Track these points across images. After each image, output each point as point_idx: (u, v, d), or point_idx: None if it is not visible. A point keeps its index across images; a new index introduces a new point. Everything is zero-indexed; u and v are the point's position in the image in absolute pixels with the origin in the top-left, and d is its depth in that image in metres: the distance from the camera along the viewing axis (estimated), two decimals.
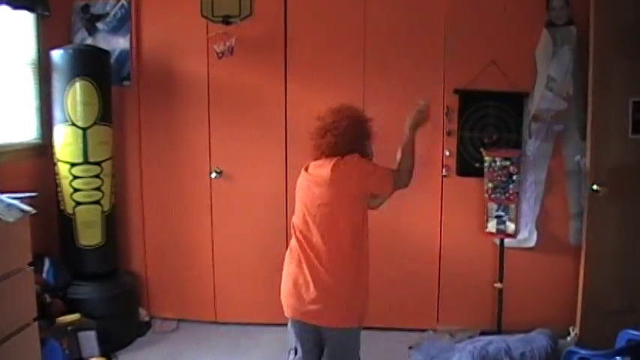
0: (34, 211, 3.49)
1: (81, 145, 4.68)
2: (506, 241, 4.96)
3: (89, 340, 4.39)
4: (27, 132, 4.97)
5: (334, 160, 3.32)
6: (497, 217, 4.89)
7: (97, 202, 4.81)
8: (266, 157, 5.09)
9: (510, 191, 4.82)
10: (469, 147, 4.98)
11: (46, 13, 4.85)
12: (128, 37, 5.21)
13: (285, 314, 3.38)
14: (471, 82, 4.88)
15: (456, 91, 4.95)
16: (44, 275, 4.58)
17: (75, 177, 4.70)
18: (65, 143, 4.70)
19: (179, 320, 5.38)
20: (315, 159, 3.42)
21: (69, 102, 4.64)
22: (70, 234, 4.79)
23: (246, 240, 5.20)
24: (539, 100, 4.78)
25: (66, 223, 4.79)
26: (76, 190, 4.72)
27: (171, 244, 5.36)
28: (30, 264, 3.49)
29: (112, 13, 5.19)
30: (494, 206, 4.90)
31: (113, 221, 5.02)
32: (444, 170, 5.04)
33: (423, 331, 5.15)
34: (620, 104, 4.50)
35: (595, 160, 4.45)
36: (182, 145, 5.24)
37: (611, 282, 4.62)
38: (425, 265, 5.16)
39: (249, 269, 5.22)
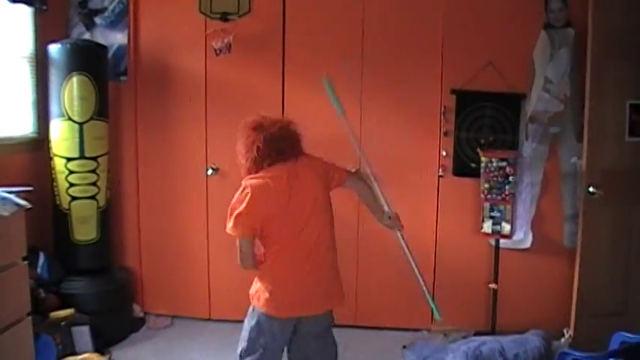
0: (29, 206, 3.48)
1: (77, 139, 4.67)
2: (502, 242, 4.96)
3: (83, 335, 4.38)
4: (23, 126, 4.96)
5: (305, 157, 3.40)
6: (493, 217, 4.89)
7: (93, 198, 4.80)
8: None
9: (506, 192, 4.82)
10: (465, 147, 4.99)
11: (44, 7, 4.83)
12: (126, 32, 5.20)
13: (281, 314, 3.39)
14: (468, 82, 4.89)
15: (453, 92, 4.95)
16: (38, 270, 4.57)
17: (71, 172, 4.69)
18: (61, 138, 4.69)
19: (173, 317, 5.37)
20: (258, 170, 3.38)
21: (65, 97, 4.63)
22: (65, 229, 4.78)
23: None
24: (536, 102, 4.79)
25: (61, 218, 4.79)
26: (71, 184, 4.71)
27: (166, 241, 5.36)
28: (24, 258, 3.48)
29: (110, 8, 5.18)
30: (490, 207, 4.90)
31: (108, 217, 5.01)
32: (440, 170, 5.04)
33: (417, 330, 5.15)
34: (617, 107, 4.50)
35: (591, 162, 4.45)
36: (178, 142, 5.23)
37: (606, 284, 4.62)
38: (420, 264, 5.15)
39: None
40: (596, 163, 4.46)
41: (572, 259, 4.69)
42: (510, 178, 4.80)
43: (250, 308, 3.51)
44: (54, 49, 4.69)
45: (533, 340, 4.38)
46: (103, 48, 4.98)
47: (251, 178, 3.31)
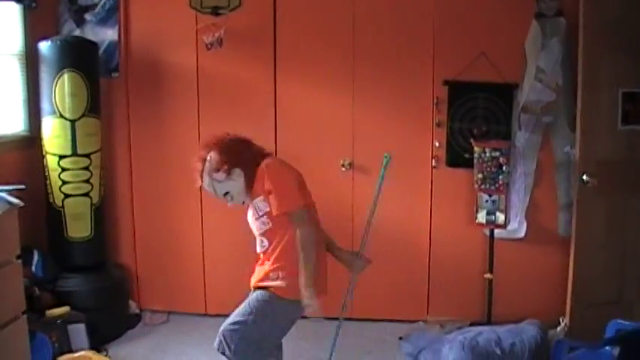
0: (22, 204, 3.46)
1: (69, 137, 4.66)
2: (496, 231, 4.97)
3: (79, 332, 4.37)
4: (15, 124, 4.95)
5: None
6: (487, 208, 4.89)
7: (86, 195, 4.79)
8: None
9: (500, 182, 4.82)
10: (459, 138, 4.99)
11: (33, 4, 4.83)
12: (116, 28, 5.18)
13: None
14: (460, 73, 4.88)
15: (446, 82, 4.95)
16: (33, 268, 4.56)
17: (63, 169, 4.68)
18: (53, 135, 4.68)
19: (169, 313, 5.38)
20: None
21: (57, 94, 4.62)
22: (59, 226, 4.77)
23: (236, 233, 5.19)
24: (529, 92, 4.79)
25: (55, 216, 4.77)
26: (64, 182, 4.70)
27: (160, 237, 5.35)
28: (18, 257, 3.47)
29: (100, 4, 5.16)
30: (484, 197, 4.90)
31: (102, 214, 5.00)
32: (433, 161, 5.04)
33: (413, 322, 5.16)
34: (610, 95, 4.50)
35: (584, 151, 4.45)
36: (171, 137, 5.22)
37: (601, 273, 4.63)
38: (415, 256, 5.17)
39: (239, 262, 5.19)
40: (590, 152, 4.47)
41: (567, 248, 4.70)
42: (504, 168, 4.80)
43: (271, 297, 3.37)
44: (44, 46, 4.67)
45: (529, 329, 4.39)
46: (94, 44, 4.96)
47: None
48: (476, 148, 4.86)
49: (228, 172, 3.25)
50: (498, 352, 4.17)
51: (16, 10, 4.88)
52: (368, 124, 5.03)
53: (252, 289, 3.48)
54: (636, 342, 3.43)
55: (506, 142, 4.86)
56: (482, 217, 4.92)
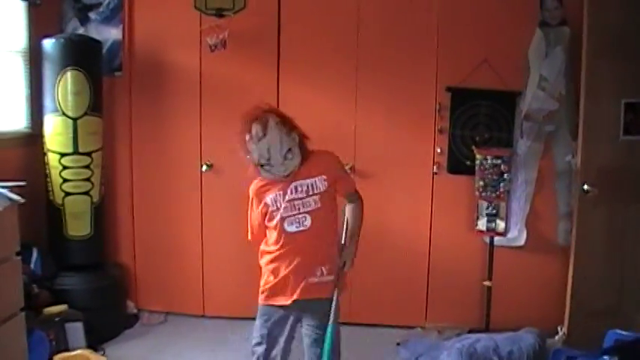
0: (23, 200, 3.46)
1: (71, 135, 4.66)
2: (496, 239, 4.96)
3: (76, 331, 4.36)
4: (17, 121, 4.94)
5: None
6: (488, 215, 4.89)
7: (87, 193, 4.79)
8: None
9: (501, 190, 4.82)
10: (460, 145, 4.98)
11: (38, 2, 4.84)
12: (120, 27, 5.19)
13: None
14: (463, 80, 4.88)
15: (448, 89, 4.95)
16: (32, 265, 4.55)
17: (64, 167, 4.68)
18: (55, 133, 4.68)
19: (167, 313, 5.37)
20: None
21: (59, 92, 4.62)
22: (59, 224, 4.77)
23: (236, 234, 5.18)
24: (532, 100, 4.79)
25: (55, 214, 4.77)
26: (65, 180, 4.70)
27: (160, 237, 5.34)
28: (17, 254, 3.46)
29: (105, 3, 5.17)
30: (485, 204, 4.90)
31: (102, 213, 5.00)
32: (434, 167, 5.04)
33: (411, 328, 5.15)
34: (612, 105, 4.50)
35: (586, 160, 4.45)
36: (173, 138, 5.22)
37: (600, 282, 4.63)
38: (414, 262, 5.17)
39: (237, 263, 5.21)
40: (591, 161, 4.46)
41: (567, 257, 4.70)
42: (505, 176, 4.80)
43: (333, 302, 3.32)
44: (48, 44, 4.67)
45: (527, 337, 4.38)
46: (98, 43, 4.96)
47: None
48: (477, 155, 4.86)
49: (292, 134, 3.18)
50: (496, 359, 4.17)
51: (21, 7, 4.87)
52: (370, 129, 5.03)
53: (300, 297, 3.25)
54: (634, 352, 3.43)
55: (507, 150, 4.86)
56: (482, 224, 4.92)
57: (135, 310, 5.31)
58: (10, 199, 3.39)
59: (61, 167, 4.68)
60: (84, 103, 4.69)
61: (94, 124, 4.77)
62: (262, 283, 3.38)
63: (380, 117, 5.04)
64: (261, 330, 3.34)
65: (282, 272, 3.26)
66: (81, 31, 5.18)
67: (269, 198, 3.25)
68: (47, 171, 4.74)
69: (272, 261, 3.31)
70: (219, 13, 4.92)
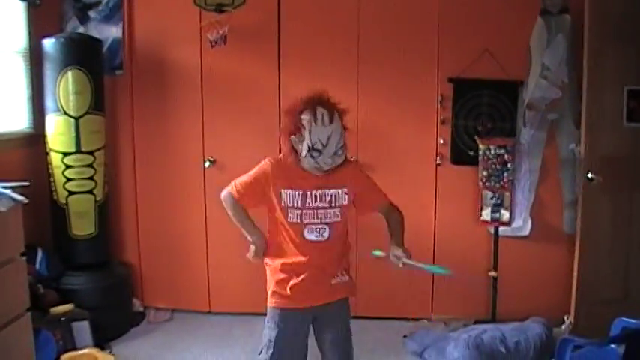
0: (26, 201, 3.46)
1: (73, 134, 4.66)
2: (501, 229, 4.96)
3: (83, 330, 4.37)
4: (19, 121, 4.94)
5: None
6: (492, 205, 4.88)
7: (90, 192, 4.79)
8: (259, 146, 5.04)
9: (505, 180, 4.82)
10: (463, 135, 4.97)
11: (37, 2, 4.83)
12: (120, 25, 5.17)
13: None
14: (465, 70, 4.87)
15: (450, 80, 4.93)
16: (37, 266, 4.56)
17: (67, 166, 4.68)
18: (57, 133, 4.67)
19: (173, 310, 5.37)
20: None
21: (61, 91, 4.61)
22: (63, 224, 4.77)
23: (240, 231, 5.19)
24: (534, 89, 4.77)
25: (59, 213, 4.77)
26: (68, 179, 4.70)
27: (164, 234, 5.35)
28: (22, 254, 3.46)
29: (104, 1, 5.15)
30: (489, 194, 4.89)
31: (106, 211, 5.00)
32: (437, 159, 5.03)
33: (418, 320, 5.15)
34: (615, 93, 4.50)
35: (589, 148, 4.44)
36: (175, 135, 5.21)
37: (605, 271, 4.63)
38: (419, 253, 5.12)
39: (242, 259, 5.18)
40: (595, 149, 4.46)
41: (572, 245, 4.70)
42: (509, 166, 4.80)
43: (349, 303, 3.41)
44: (48, 43, 4.66)
45: (534, 327, 4.38)
46: (98, 42, 4.95)
47: None
48: (481, 146, 4.85)
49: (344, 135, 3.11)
50: (503, 350, 4.17)
51: (21, 7, 4.86)
52: (372, 122, 5.02)
53: (322, 302, 3.23)
54: None
55: (511, 140, 4.85)
56: (486, 214, 4.92)
57: (141, 308, 5.31)
58: (14, 200, 3.39)
59: (64, 167, 4.68)
60: (85, 102, 4.68)
61: (96, 123, 4.77)
62: (273, 285, 3.26)
63: (382, 109, 5.03)
64: (276, 345, 3.18)
65: (299, 278, 3.15)
66: (81, 30, 5.17)
67: (285, 192, 3.09)
68: (50, 171, 4.73)
69: (289, 265, 3.18)
70: (219, 9, 4.91)
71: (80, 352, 4.16)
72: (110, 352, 4.40)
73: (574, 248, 4.65)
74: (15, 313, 3.36)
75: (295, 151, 3.06)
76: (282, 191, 3.09)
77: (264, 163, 3.15)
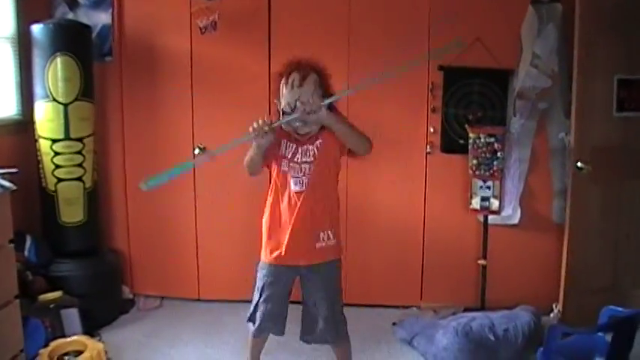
0: (15, 187, 3.45)
1: (62, 121, 4.63)
2: (490, 218, 4.97)
3: (72, 317, 4.36)
4: (7, 108, 4.91)
5: None
6: (482, 193, 4.89)
7: (79, 179, 4.77)
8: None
9: (494, 168, 4.82)
10: (453, 124, 4.98)
11: None
12: (110, 11, 5.14)
13: None
14: (455, 58, 4.85)
15: (441, 68, 4.93)
16: (26, 253, 4.54)
17: (56, 153, 4.65)
18: (46, 119, 4.65)
19: (162, 298, 5.38)
20: None
21: (49, 77, 4.58)
22: (52, 211, 4.75)
23: (230, 217, 5.19)
24: (524, 78, 4.77)
25: (47, 200, 4.75)
26: (57, 166, 4.67)
27: (154, 222, 5.34)
28: (11, 241, 3.46)
29: None
30: (479, 183, 4.90)
31: (95, 198, 4.98)
32: (428, 147, 5.03)
33: (407, 307, 5.17)
34: (605, 82, 4.50)
35: (579, 137, 4.45)
36: (165, 122, 5.19)
37: (594, 259, 4.65)
38: (408, 241, 5.17)
39: (232, 246, 5.21)
40: (585, 138, 4.47)
41: (562, 234, 4.71)
42: (498, 154, 4.80)
43: (338, 264, 3.56)
44: (37, 29, 4.62)
45: (522, 315, 4.40)
46: (87, 28, 4.92)
47: None
48: (471, 134, 4.85)
49: (322, 96, 3.29)
50: (492, 337, 4.18)
51: None
52: (362, 109, 5.00)
53: (306, 262, 3.45)
54: (629, 328, 3.44)
55: (501, 128, 4.86)
56: (476, 202, 4.93)
57: (130, 296, 5.31)
58: (3, 187, 3.38)
59: (52, 153, 4.65)
60: (74, 89, 4.65)
61: (85, 110, 4.74)
62: (265, 242, 3.53)
63: (372, 97, 5.01)
64: (265, 294, 3.49)
65: (287, 232, 3.38)
66: (70, 16, 5.14)
67: (283, 141, 3.41)
68: (39, 157, 4.71)
69: (281, 222, 3.44)
70: None
71: (69, 339, 4.14)
72: (99, 340, 4.39)
73: (563, 237, 4.66)
74: (3, 300, 3.35)
75: (279, 114, 3.31)
76: (282, 140, 3.40)
77: None
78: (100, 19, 5.14)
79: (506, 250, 5.06)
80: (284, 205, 3.41)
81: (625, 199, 4.66)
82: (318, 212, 3.39)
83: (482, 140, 4.81)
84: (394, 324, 4.79)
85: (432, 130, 5.01)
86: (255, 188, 4.94)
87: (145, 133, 5.23)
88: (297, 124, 3.25)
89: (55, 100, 4.60)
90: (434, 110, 4.99)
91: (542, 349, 3.42)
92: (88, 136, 4.77)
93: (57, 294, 4.41)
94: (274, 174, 3.45)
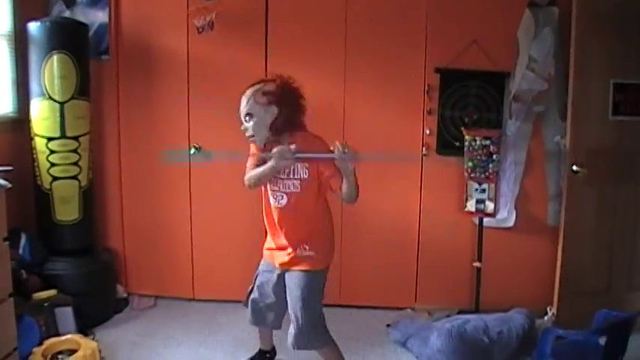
0: (10, 185, 3.44)
1: (58, 119, 4.61)
2: (485, 220, 4.97)
3: (66, 316, 4.35)
4: (3, 106, 4.90)
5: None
6: (477, 196, 4.90)
7: (75, 178, 4.75)
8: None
9: (490, 171, 4.83)
10: (449, 126, 4.98)
11: None
12: (107, 10, 5.13)
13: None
14: (452, 60, 4.87)
15: (437, 70, 4.93)
16: (20, 251, 4.53)
17: (52, 151, 4.64)
18: (42, 117, 4.63)
19: (157, 297, 5.37)
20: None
21: (46, 75, 4.57)
22: (47, 209, 4.74)
23: (225, 217, 5.19)
24: (521, 81, 4.78)
25: (43, 199, 4.74)
26: (52, 164, 4.66)
27: (149, 221, 5.33)
28: (5, 239, 3.44)
29: None
30: (474, 185, 4.91)
31: (91, 197, 4.97)
32: (424, 149, 5.03)
33: (401, 309, 5.17)
34: (601, 86, 4.52)
35: (575, 141, 4.46)
36: (161, 121, 5.18)
37: (589, 263, 4.66)
38: (404, 243, 5.17)
39: (227, 246, 5.21)
40: (580, 142, 4.48)
41: (556, 237, 4.72)
42: (494, 157, 4.81)
43: (314, 276, 3.56)
44: (33, 27, 4.61)
45: (517, 318, 4.41)
46: (84, 26, 4.90)
47: None
48: (466, 137, 4.85)
49: (268, 104, 3.42)
50: (486, 340, 4.19)
51: None
52: (359, 111, 5.02)
53: (281, 267, 3.64)
54: (623, 332, 3.45)
55: (497, 131, 4.86)
56: (471, 205, 4.93)
57: (125, 295, 5.29)
58: None
59: (48, 152, 4.64)
60: (71, 87, 4.64)
61: (81, 108, 4.73)
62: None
63: (369, 98, 5.02)
64: (258, 280, 3.80)
65: (275, 238, 3.65)
66: (67, 14, 5.13)
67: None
68: (34, 155, 4.69)
69: (269, 224, 3.67)
70: None
71: (63, 338, 4.13)
72: (93, 339, 4.38)
73: (558, 240, 4.68)
74: None
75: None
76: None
77: None
78: (97, 17, 5.14)
79: (501, 253, 5.07)
80: (270, 211, 3.63)
81: (620, 202, 4.68)
82: (296, 228, 3.54)
83: (477, 143, 4.82)
84: (388, 326, 4.79)
85: (427, 132, 5.02)
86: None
87: (141, 132, 5.22)
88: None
89: (51, 98, 4.59)
90: (430, 112, 4.99)
91: (536, 351, 3.43)
92: (83, 135, 4.76)
93: (51, 292, 4.40)
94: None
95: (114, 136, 5.25)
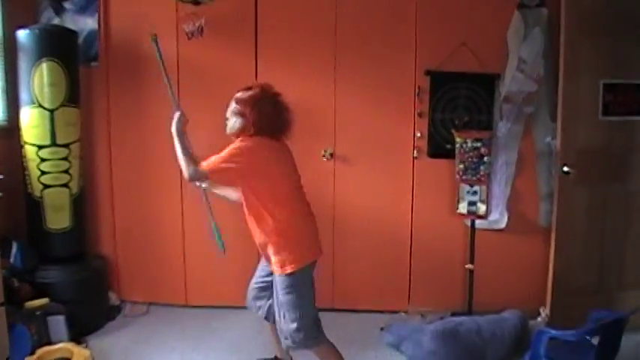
0: (0, 194, 3.43)
1: (48, 127, 4.60)
2: (477, 222, 4.98)
3: (58, 324, 4.34)
4: None
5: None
6: (469, 198, 4.90)
7: (65, 185, 4.74)
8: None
9: (481, 172, 4.83)
10: (440, 128, 4.99)
11: None
12: (96, 16, 5.13)
13: (314, 257, 3.64)
14: (442, 63, 4.88)
15: (428, 72, 4.94)
16: (12, 259, 4.51)
17: (42, 159, 4.63)
18: (32, 125, 4.62)
19: (149, 304, 5.35)
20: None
21: (35, 83, 4.56)
22: (38, 217, 4.72)
23: (217, 222, 5.17)
24: (510, 82, 4.79)
25: (34, 207, 4.72)
26: (43, 172, 4.65)
27: (141, 228, 5.31)
28: None
29: None
30: (466, 187, 4.91)
31: (82, 204, 4.95)
32: (415, 152, 5.04)
33: (395, 312, 5.17)
34: (591, 86, 4.53)
35: (565, 141, 4.48)
36: (151, 127, 5.16)
37: (581, 263, 4.67)
38: (396, 246, 5.17)
39: (219, 252, 5.20)
40: (571, 142, 4.49)
41: (548, 238, 4.73)
42: (485, 159, 4.82)
43: (287, 279, 3.53)
44: (23, 34, 4.60)
45: (509, 319, 4.42)
46: (73, 33, 4.90)
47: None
48: (457, 139, 4.86)
49: (238, 111, 3.66)
50: (479, 341, 4.20)
51: None
52: (350, 114, 5.02)
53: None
54: (616, 331, 3.45)
55: (487, 133, 4.87)
56: (463, 207, 4.94)
57: (117, 302, 5.28)
58: None
59: (38, 160, 4.62)
60: (60, 95, 4.63)
61: (71, 116, 4.72)
62: None
63: (359, 101, 5.02)
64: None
65: None
66: (56, 21, 5.12)
67: None
68: (25, 164, 4.68)
69: None
70: (196, 1, 4.88)
71: (55, 346, 4.12)
72: (86, 347, 4.37)
73: (550, 241, 4.69)
74: None
75: None
76: None
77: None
78: (86, 24, 5.13)
79: (493, 254, 5.07)
80: None
81: (610, 202, 4.69)
82: (256, 234, 3.66)
83: (468, 145, 4.83)
84: (382, 329, 4.78)
85: (418, 134, 5.02)
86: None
87: (132, 139, 5.21)
88: None
89: (40, 105, 4.58)
90: (421, 115, 5.00)
91: (529, 352, 3.44)
92: (74, 142, 4.75)
93: (43, 301, 4.38)
94: None
95: (104, 143, 5.24)
